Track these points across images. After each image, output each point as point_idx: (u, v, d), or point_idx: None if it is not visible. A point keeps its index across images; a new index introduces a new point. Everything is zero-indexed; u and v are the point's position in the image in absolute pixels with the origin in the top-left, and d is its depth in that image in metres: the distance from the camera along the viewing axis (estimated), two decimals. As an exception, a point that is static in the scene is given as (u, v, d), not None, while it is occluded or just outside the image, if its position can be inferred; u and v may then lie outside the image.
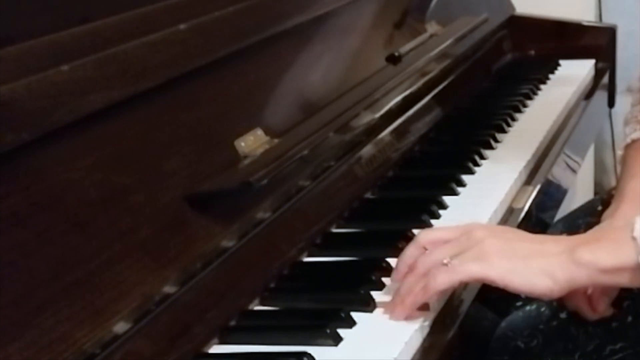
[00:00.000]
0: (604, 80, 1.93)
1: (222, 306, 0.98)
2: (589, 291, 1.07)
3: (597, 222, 1.20)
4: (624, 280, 0.95)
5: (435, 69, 1.60)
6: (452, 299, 1.02)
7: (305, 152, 1.13)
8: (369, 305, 1.00)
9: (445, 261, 0.96)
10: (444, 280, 0.96)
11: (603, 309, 1.09)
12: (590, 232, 1.05)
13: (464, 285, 1.04)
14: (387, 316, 0.98)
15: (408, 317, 0.96)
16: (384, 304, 1.00)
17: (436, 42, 1.62)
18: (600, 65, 1.96)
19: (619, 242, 0.95)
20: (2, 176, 0.82)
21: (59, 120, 0.89)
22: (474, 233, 0.99)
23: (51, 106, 0.88)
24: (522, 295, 1.15)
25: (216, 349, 0.96)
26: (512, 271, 0.95)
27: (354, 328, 0.96)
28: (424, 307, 0.97)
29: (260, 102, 1.21)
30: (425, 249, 1.01)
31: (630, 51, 2.04)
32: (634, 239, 0.94)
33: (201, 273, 0.97)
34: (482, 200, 1.27)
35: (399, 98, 1.44)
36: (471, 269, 0.96)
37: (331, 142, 1.24)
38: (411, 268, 1.00)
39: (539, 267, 0.95)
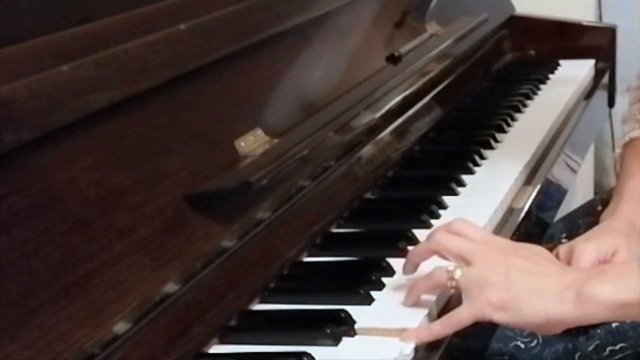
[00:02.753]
0: (604, 80, 1.93)
1: (222, 306, 0.98)
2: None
3: (597, 222, 1.21)
4: (634, 314, 0.91)
5: (435, 69, 1.60)
6: (451, 299, 1.02)
7: (305, 152, 1.13)
8: (369, 305, 1.00)
9: (450, 268, 0.96)
10: (440, 332, 0.95)
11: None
12: (590, 233, 1.04)
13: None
14: (387, 316, 0.98)
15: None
16: (385, 303, 1.00)
17: (436, 42, 1.62)
18: (600, 65, 1.96)
19: (629, 274, 0.92)
20: (2, 176, 0.82)
21: (59, 120, 0.89)
22: (488, 249, 0.97)
23: (51, 106, 0.88)
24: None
25: (216, 349, 0.96)
26: (504, 308, 0.92)
27: (354, 328, 0.96)
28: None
29: (260, 102, 1.21)
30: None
31: (630, 51, 2.04)
32: None
33: (201, 273, 0.97)
34: (482, 200, 1.27)
35: (399, 98, 1.44)
36: (464, 318, 0.94)
37: (331, 142, 1.24)
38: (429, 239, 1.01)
39: (534, 306, 0.91)
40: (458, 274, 0.95)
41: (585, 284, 0.91)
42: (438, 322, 0.95)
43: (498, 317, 0.93)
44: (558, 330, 0.94)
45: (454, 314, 0.94)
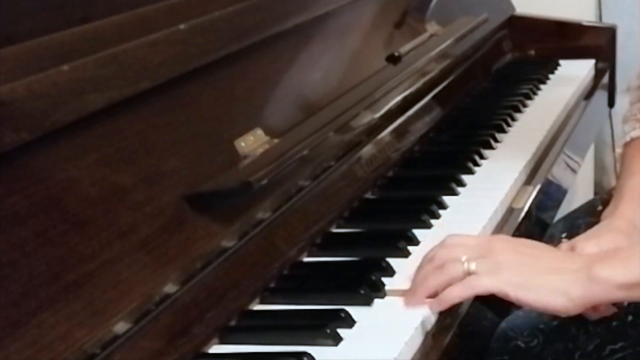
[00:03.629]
0: (604, 80, 1.93)
1: (222, 306, 0.98)
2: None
3: (597, 222, 1.21)
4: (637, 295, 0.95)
5: (435, 69, 1.60)
6: (452, 298, 1.02)
7: (305, 152, 1.13)
8: (369, 305, 1.00)
9: (463, 259, 0.98)
10: (459, 294, 0.97)
11: (604, 308, 1.09)
12: (590, 231, 1.04)
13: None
14: (387, 316, 0.98)
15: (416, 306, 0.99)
16: (385, 304, 1.00)
17: (436, 42, 1.62)
18: (600, 65, 1.96)
19: (635, 257, 0.95)
20: (2, 176, 0.82)
21: (59, 120, 0.89)
22: (493, 243, 1.01)
23: (51, 106, 0.88)
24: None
25: (216, 349, 0.96)
26: (525, 287, 0.96)
27: (354, 328, 0.96)
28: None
29: (260, 102, 1.21)
30: None
31: (630, 51, 2.04)
32: None
33: (201, 273, 0.97)
34: (482, 200, 1.27)
35: (399, 98, 1.44)
36: (485, 283, 0.97)
37: (331, 142, 1.24)
38: (429, 259, 1.02)
39: (553, 285, 0.96)
40: (474, 266, 0.97)
41: (594, 265, 0.95)
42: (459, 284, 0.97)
43: (522, 294, 0.95)
44: (579, 310, 0.98)
45: (475, 278, 0.97)
